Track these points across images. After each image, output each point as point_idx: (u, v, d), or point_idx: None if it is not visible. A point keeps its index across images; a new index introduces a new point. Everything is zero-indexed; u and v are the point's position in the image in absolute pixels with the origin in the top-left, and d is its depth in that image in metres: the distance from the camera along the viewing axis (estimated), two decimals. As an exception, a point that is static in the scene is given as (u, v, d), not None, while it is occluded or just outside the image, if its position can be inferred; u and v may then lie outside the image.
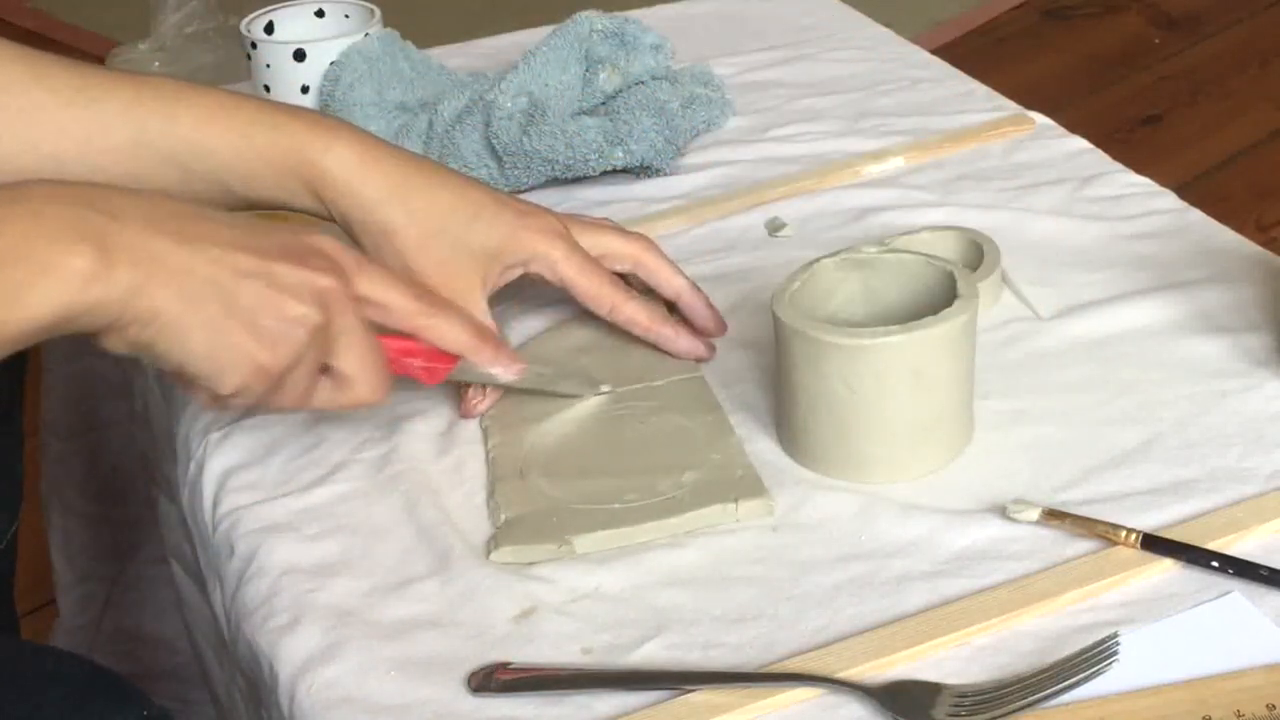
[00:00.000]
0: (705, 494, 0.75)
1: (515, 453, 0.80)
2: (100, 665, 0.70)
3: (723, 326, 0.87)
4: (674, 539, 0.74)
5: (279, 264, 0.68)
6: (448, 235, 0.81)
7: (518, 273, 0.84)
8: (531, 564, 0.73)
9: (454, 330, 0.77)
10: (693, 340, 0.86)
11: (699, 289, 0.87)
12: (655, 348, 0.86)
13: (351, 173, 0.80)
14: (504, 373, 0.79)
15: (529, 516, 0.75)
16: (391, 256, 0.81)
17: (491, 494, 0.78)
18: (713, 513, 0.74)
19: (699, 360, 0.86)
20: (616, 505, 0.75)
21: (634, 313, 0.85)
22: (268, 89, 1.10)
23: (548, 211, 0.85)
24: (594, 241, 0.85)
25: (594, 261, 0.84)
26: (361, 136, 0.82)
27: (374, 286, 0.73)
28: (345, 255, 0.73)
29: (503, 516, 0.76)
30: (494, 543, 0.74)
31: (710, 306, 0.87)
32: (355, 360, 0.71)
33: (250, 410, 0.75)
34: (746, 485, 0.76)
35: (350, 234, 0.82)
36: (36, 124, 0.79)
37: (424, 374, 0.78)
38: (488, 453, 0.81)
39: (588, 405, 0.83)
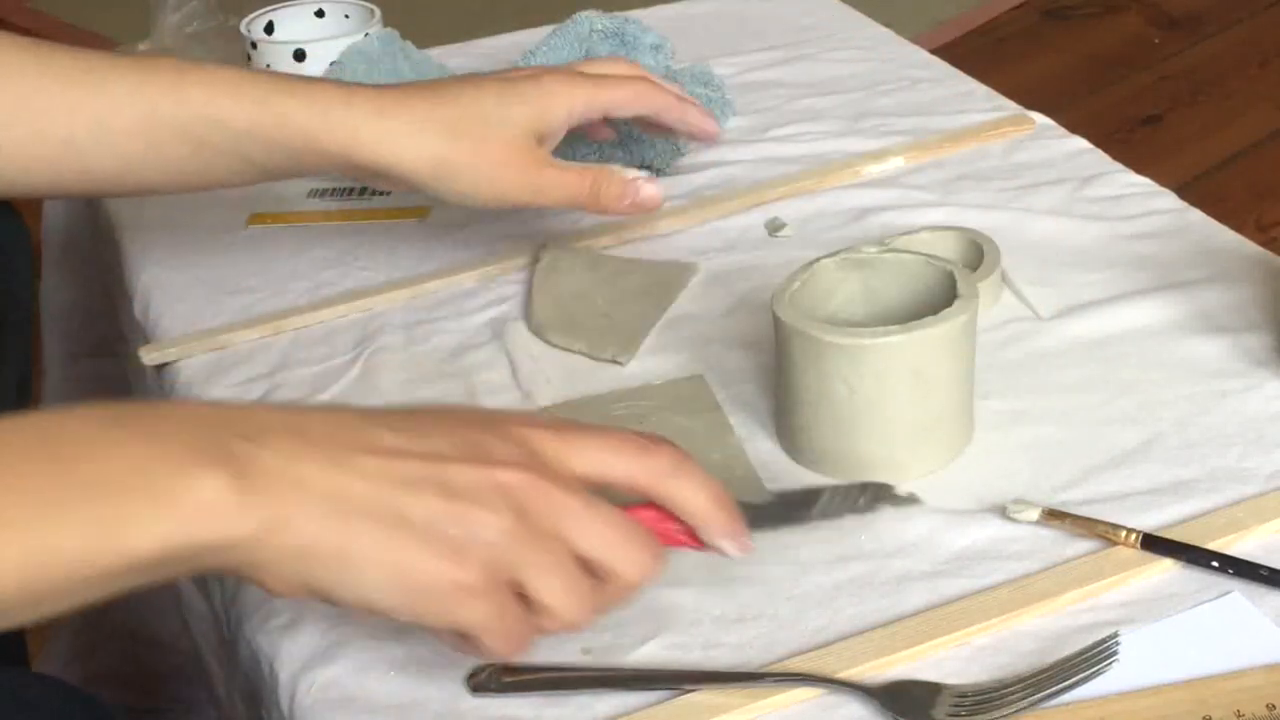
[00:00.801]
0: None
1: None
2: (77, 689, 0.69)
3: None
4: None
5: (453, 465, 0.57)
6: (491, 131, 0.83)
7: (564, 127, 0.87)
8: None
9: (696, 496, 0.62)
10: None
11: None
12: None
13: (382, 117, 0.81)
14: (731, 548, 0.65)
15: None
16: (453, 181, 0.82)
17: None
18: None
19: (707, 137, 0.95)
20: None
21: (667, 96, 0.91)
22: (268, 89, 1.10)
23: (548, 69, 0.89)
24: (601, 69, 0.90)
25: (618, 78, 0.89)
26: (368, 86, 0.84)
27: (590, 458, 0.61)
28: (543, 434, 0.60)
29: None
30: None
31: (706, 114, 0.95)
32: (553, 582, 0.58)
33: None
34: (746, 485, 0.75)
35: (395, 180, 0.83)
36: (46, 111, 0.79)
37: (689, 540, 0.65)
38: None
39: (585, 404, 0.82)
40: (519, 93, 0.85)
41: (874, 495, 0.72)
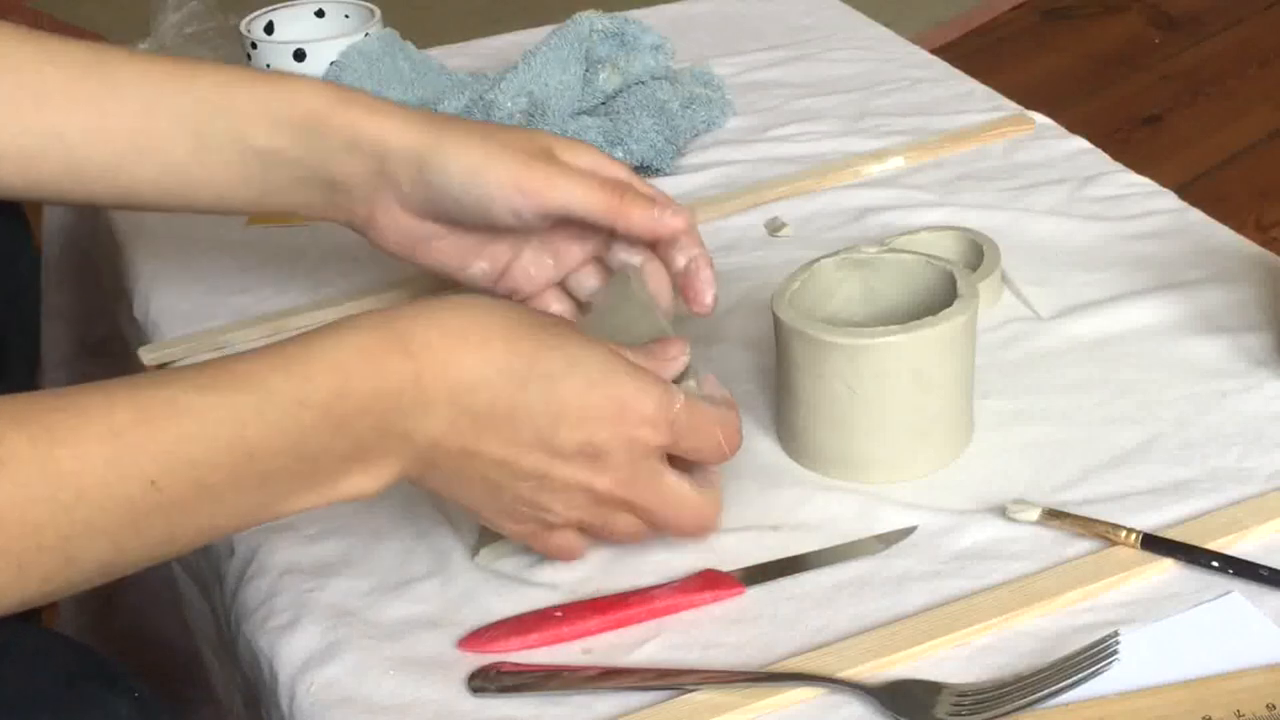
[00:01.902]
0: None
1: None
2: (87, 646, 0.69)
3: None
4: (671, 541, 0.74)
5: (563, 464, 0.66)
6: (499, 129, 0.81)
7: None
8: (522, 565, 0.73)
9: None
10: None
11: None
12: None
13: (385, 104, 0.80)
14: None
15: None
16: (449, 158, 0.78)
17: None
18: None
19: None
20: None
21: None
22: (268, 89, 1.10)
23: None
24: (581, 159, 0.80)
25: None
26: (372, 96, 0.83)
27: (693, 437, 0.69)
28: (663, 423, 0.67)
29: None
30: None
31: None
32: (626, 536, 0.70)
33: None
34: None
35: (390, 161, 0.80)
36: (48, 101, 0.79)
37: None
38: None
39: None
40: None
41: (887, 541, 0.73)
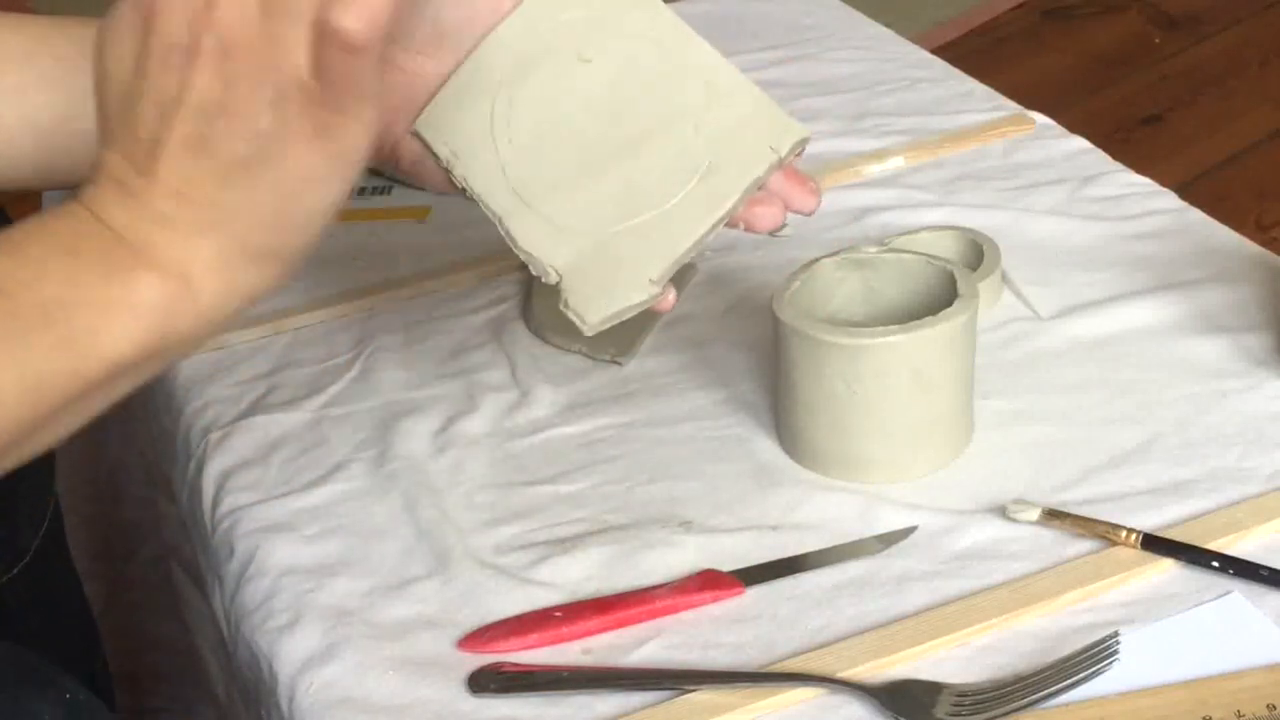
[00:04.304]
0: (740, 155, 0.66)
1: (494, 175, 0.69)
2: (21, 649, 0.68)
3: None
4: (671, 540, 0.74)
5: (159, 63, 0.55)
6: None
7: None
8: (522, 564, 0.73)
9: None
10: None
11: None
12: None
13: None
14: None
15: (582, 258, 0.67)
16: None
17: (510, 236, 0.68)
18: (759, 169, 0.66)
19: None
20: (659, 209, 0.67)
21: None
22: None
23: None
24: None
25: None
26: None
27: None
28: None
29: (549, 270, 0.67)
30: (566, 303, 0.67)
31: None
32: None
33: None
34: (772, 121, 0.67)
35: None
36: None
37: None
38: (459, 181, 0.69)
39: (539, 82, 0.69)
40: None
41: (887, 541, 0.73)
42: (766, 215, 0.68)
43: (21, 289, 0.54)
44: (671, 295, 0.68)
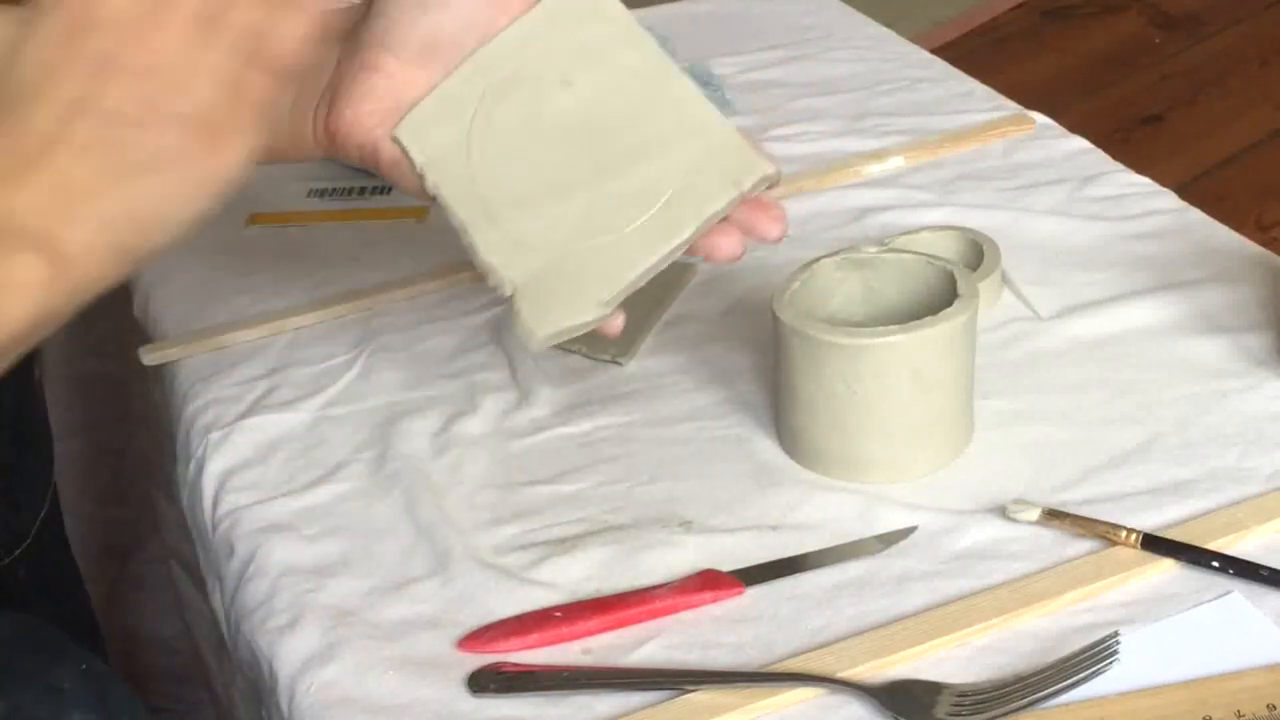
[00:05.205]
0: (701, 187, 0.67)
1: (464, 185, 0.70)
2: (34, 620, 0.69)
3: None
4: (671, 540, 0.74)
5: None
6: None
7: None
8: (522, 564, 0.73)
9: None
10: None
11: None
12: None
13: None
14: None
15: (538, 275, 0.68)
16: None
17: (472, 246, 0.69)
18: (719, 203, 0.67)
19: None
20: (616, 233, 0.68)
21: None
22: (268, 89, 1.10)
23: None
24: None
25: None
26: None
27: None
28: None
29: (506, 282, 0.68)
30: (517, 316, 0.68)
31: None
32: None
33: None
34: (740, 156, 0.67)
35: None
36: None
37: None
38: (431, 189, 0.70)
39: (519, 100, 0.70)
40: None
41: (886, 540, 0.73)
42: (724, 246, 0.69)
43: None
44: (620, 319, 0.69)
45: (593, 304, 0.67)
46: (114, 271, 0.58)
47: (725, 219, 0.68)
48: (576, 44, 0.70)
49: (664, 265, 0.68)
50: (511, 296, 0.68)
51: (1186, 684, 0.63)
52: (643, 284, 0.68)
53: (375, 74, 0.71)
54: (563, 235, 0.68)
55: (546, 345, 0.68)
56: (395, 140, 0.70)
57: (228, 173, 0.59)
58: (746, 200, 0.67)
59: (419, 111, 0.70)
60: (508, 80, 0.70)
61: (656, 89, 0.69)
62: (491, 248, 0.69)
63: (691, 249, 0.68)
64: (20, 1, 0.62)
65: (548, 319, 0.68)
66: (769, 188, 0.68)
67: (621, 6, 0.70)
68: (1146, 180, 1.02)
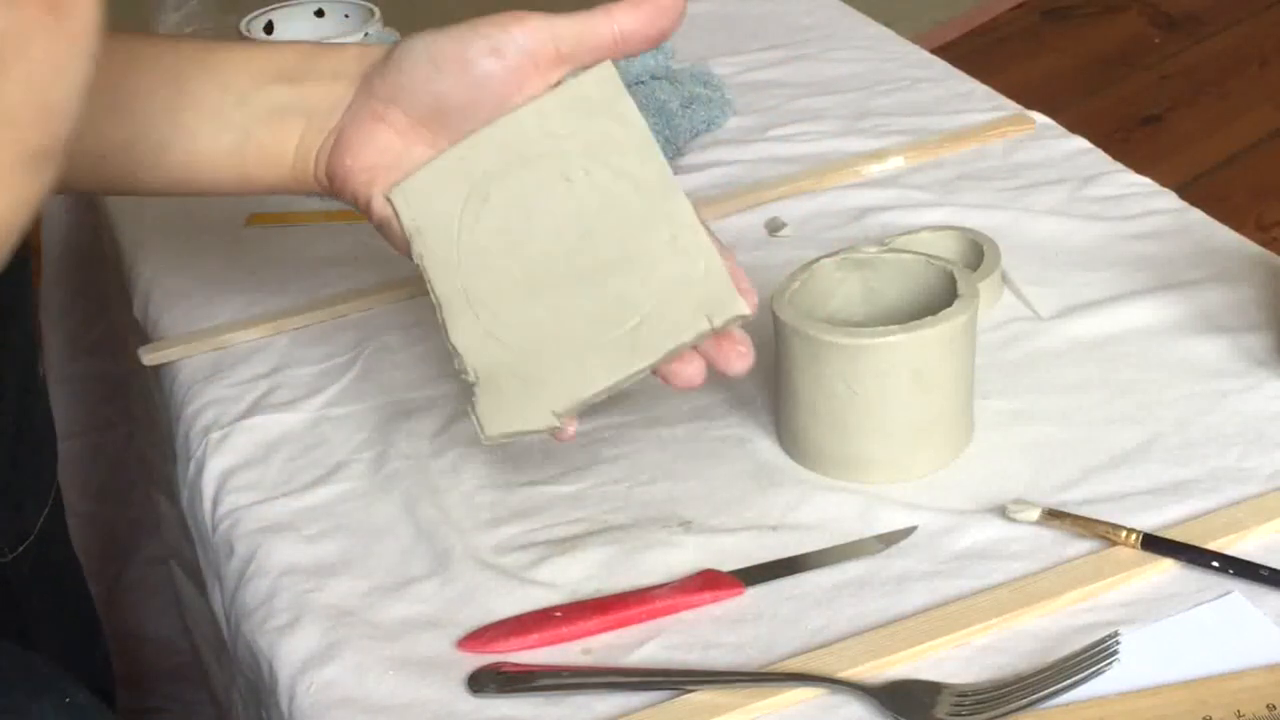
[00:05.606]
0: (673, 315, 0.68)
1: (448, 262, 0.71)
2: (21, 650, 0.68)
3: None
4: (671, 540, 0.74)
5: None
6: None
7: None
8: (522, 564, 0.73)
9: None
10: None
11: None
12: None
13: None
14: None
15: (501, 371, 0.69)
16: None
17: (444, 325, 0.71)
18: (687, 335, 0.68)
19: None
20: (584, 345, 0.68)
21: None
22: (267, 89, 1.10)
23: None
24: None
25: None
26: None
27: None
28: None
29: (471, 370, 0.70)
30: (474, 408, 0.69)
31: None
32: None
33: None
34: (718, 291, 0.67)
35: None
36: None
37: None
38: (415, 257, 0.72)
39: (517, 187, 0.71)
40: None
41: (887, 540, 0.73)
42: (684, 374, 0.69)
43: None
44: (571, 429, 0.70)
45: (547, 413, 0.69)
46: (38, 187, 0.56)
47: (693, 348, 0.69)
48: (586, 140, 0.69)
49: (623, 386, 0.69)
50: (474, 385, 0.70)
51: (1186, 684, 0.63)
52: (599, 401, 0.69)
53: (382, 126, 0.72)
54: (532, 337, 0.69)
55: (496, 443, 0.70)
56: (388, 200, 0.71)
57: (85, 28, 0.56)
58: (716, 333, 0.68)
59: (417, 178, 0.71)
60: (510, 163, 0.70)
61: (655, 204, 0.69)
62: (461, 332, 0.70)
63: (654, 370, 0.69)
64: None
65: (501, 418, 0.70)
66: (741, 323, 0.68)
67: (638, 113, 0.69)
68: (1146, 180, 1.02)
